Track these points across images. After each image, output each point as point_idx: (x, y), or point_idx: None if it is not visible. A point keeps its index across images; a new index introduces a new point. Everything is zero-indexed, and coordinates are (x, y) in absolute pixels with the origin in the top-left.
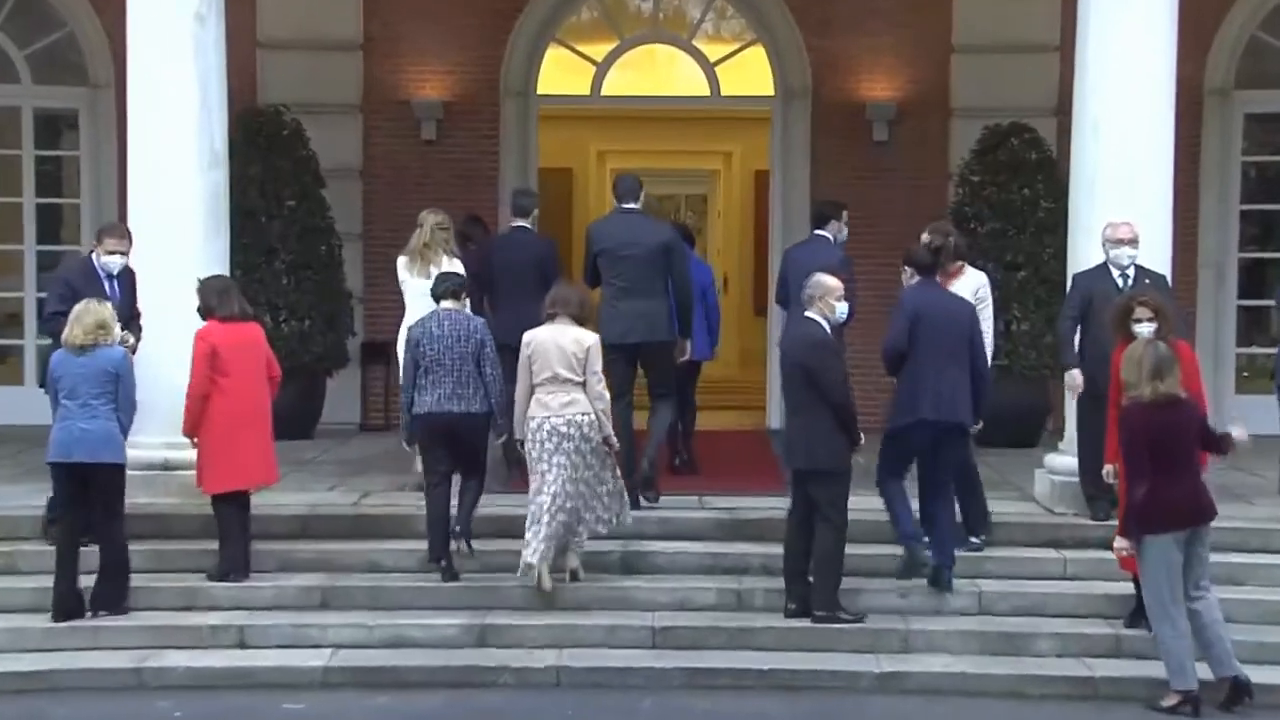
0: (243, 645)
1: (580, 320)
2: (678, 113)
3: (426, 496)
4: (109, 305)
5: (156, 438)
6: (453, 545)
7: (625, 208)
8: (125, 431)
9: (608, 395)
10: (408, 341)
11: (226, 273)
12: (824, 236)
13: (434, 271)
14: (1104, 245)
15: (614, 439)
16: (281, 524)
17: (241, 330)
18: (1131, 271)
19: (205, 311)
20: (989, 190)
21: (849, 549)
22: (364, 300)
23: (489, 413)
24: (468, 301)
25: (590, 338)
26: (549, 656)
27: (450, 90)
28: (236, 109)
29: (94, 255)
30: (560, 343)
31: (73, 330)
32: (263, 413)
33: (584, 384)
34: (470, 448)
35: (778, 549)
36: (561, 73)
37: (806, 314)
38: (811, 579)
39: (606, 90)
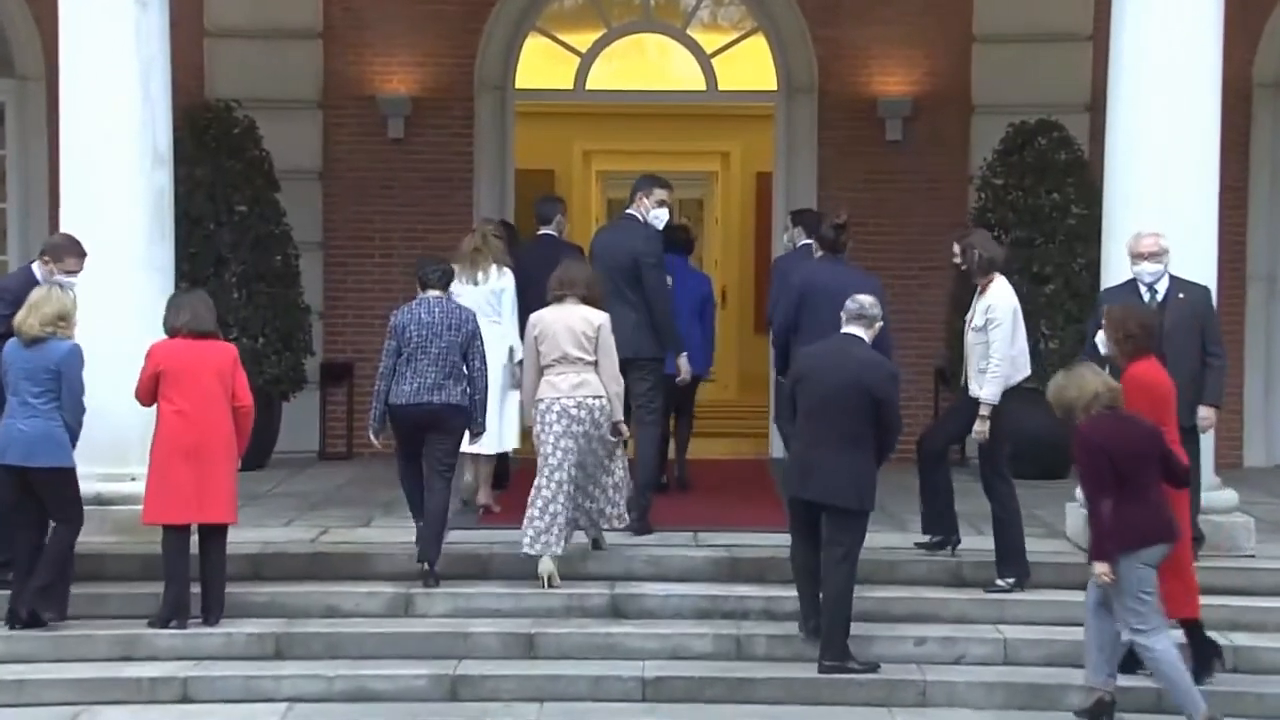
0: (187, 699)
1: (589, 301)
2: (670, 109)
3: (403, 487)
4: (73, 293)
5: (89, 469)
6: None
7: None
8: (73, 433)
9: (622, 378)
10: (392, 327)
11: (170, 285)
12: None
13: (483, 279)
14: (1130, 258)
15: (624, 427)
16: (231, 564)
17: (198, 349)
18: (1163, 287)
19: (165, 326)
20: (1014, 195)
21: (859, 591)
22: (324, 316)
23: (469, 408)
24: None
25: (600, 316)
26: (528, 711)
27: (419, 84)
28: (182, 104)
29: (40, 270)
30: (569, 322)
31: (28, 319)
32: (216, 442)
33: (596, 364)
34: (444, 443)
35: (781, 591)
36: (543, 65)
37: (857, 333)
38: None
39: (592, 84)
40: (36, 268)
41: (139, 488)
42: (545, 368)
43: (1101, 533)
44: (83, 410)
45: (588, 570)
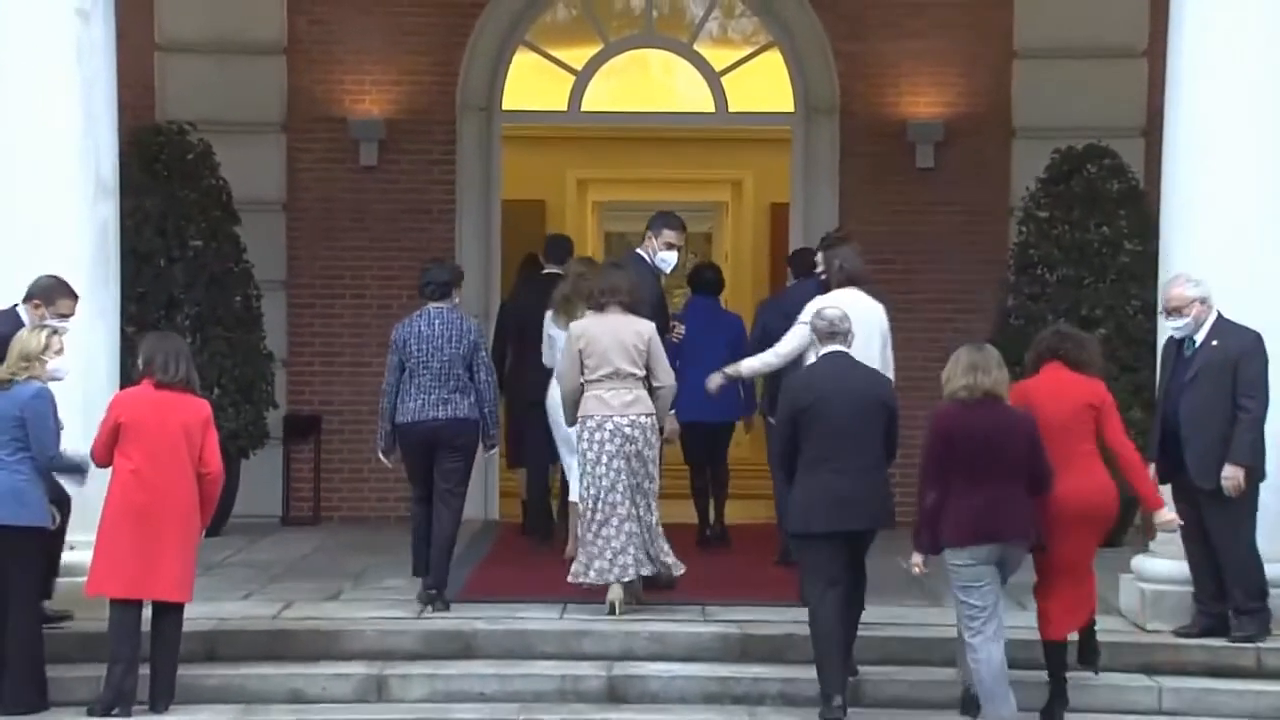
0: None
1: (632, 309)
2: (675, 133)
3: (411, 516)
4: (48, 332)
5: None
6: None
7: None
8: (48, 485)
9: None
10: (393, 341)
11: (115, 331)
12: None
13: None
14: None
15: (675, 428)
16: (182, 643)
17: (166, 402)
18: (1201, 336)
19: (136, 371)
20: (1060, 229)
21: (892, 673)
22: (288, 364)
23: (479, 420)
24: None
25: (649, 326)
26: None
27: (395, 104)
28: (129, 127)
29: (28, 314)
30: (619, 334)
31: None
32: (172, 509)
33: (645, 379)
34: (455, 461)
35: (800, 672)
36: (533, 83)
37: (844, 350)
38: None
39: (588, 105)
40: (23, 311)
41: (80, 557)
42: (592, 382)
43: (920, 522)
44: (53, 460)
45: (582, 648)
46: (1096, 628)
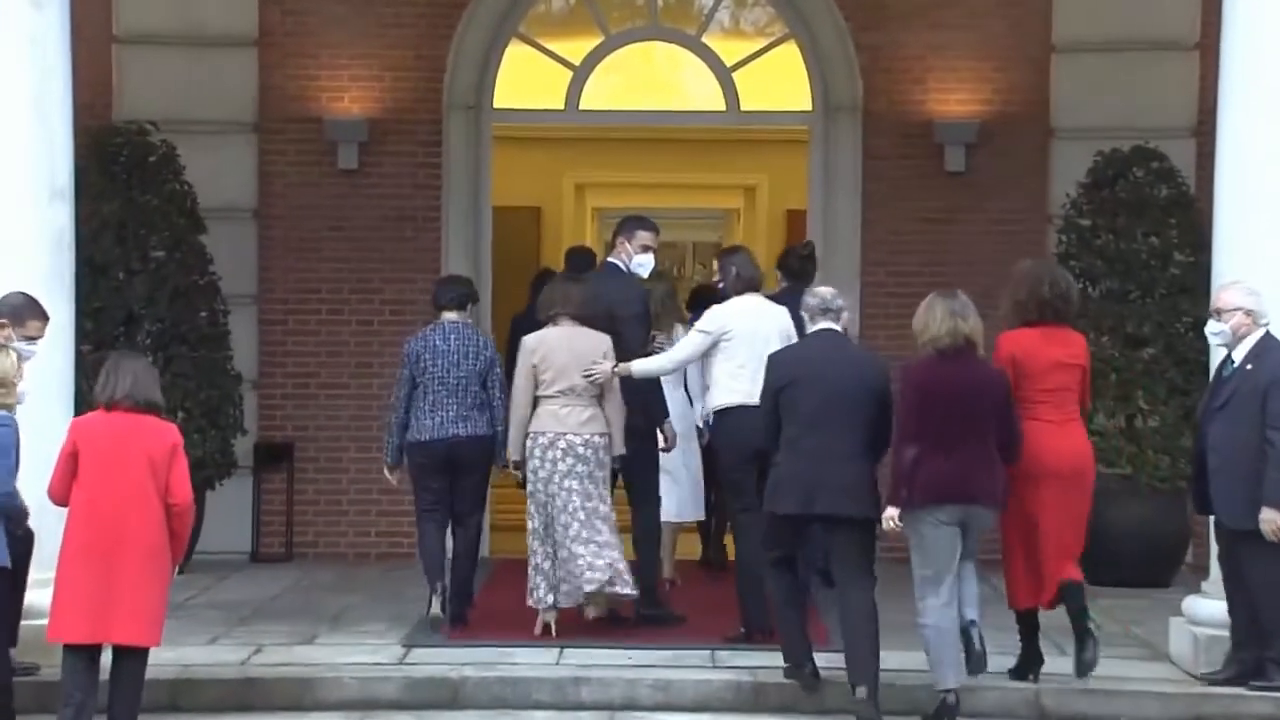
0: None
1: (584, 321)
2: (683, 134)
3: (419, 533)
4: (13, 354)
5: None
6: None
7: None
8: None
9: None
10: (405, 354)
11: (71, 349)
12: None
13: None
14: None
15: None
16: (145, 691)
17: (128, 426)
18: (1243, 351)
19: (93, 397)
20: (1103, 238)
21: None
22: (258, 386)
23: (495, 436)
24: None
25: (607, 342)
26: None
27: (376, 102)
28: (86, 126)
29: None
30: (576, 348)
31: None
32: (134, 545)
33: (600, 397)
34: (473, 478)
35: None
36: (527, 79)
37: (833, 328)
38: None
39: (587, 103)
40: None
41: (40, 598)
42: (545, 397)
43: (897, 479)
44: (12, 495)
45: (581, 697)
46: (1144, 675)
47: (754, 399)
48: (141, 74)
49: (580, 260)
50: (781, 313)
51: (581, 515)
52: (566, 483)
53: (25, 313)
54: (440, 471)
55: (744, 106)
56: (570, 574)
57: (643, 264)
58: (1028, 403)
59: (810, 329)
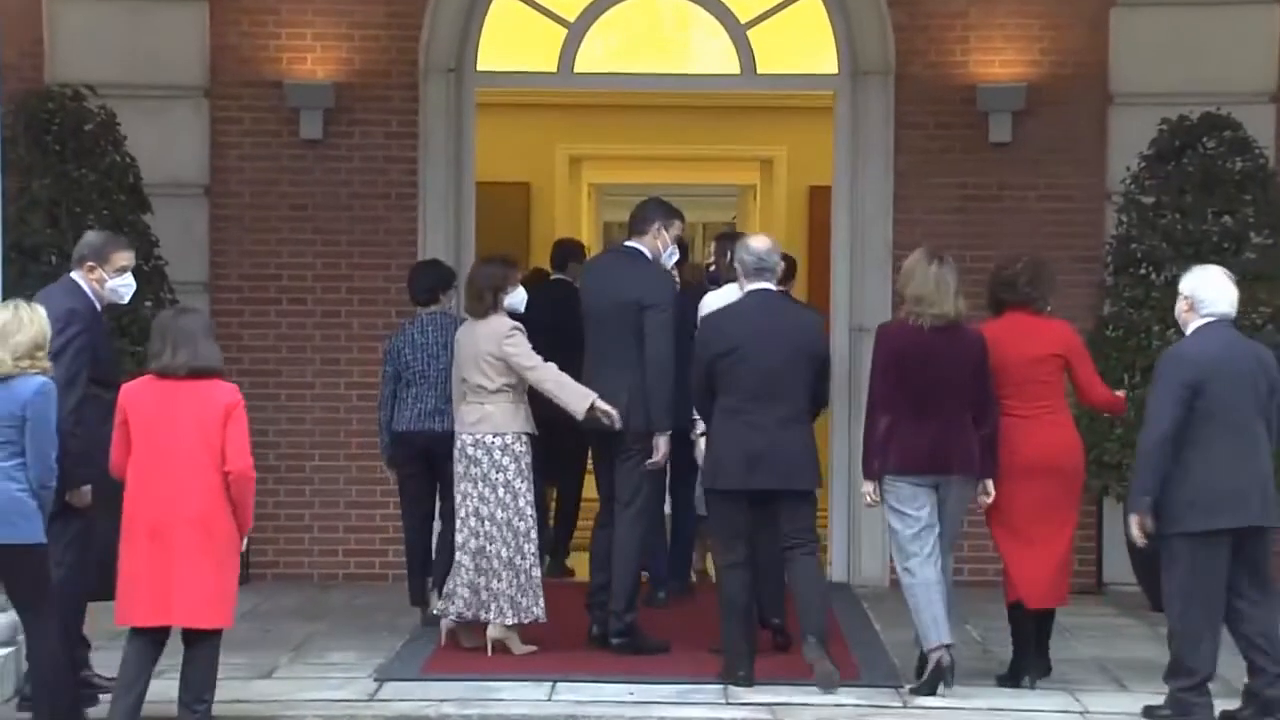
0: None
1: (497, 308)
2: (692, 100)
3: (404, 526)
4: (42, 313)
5: None
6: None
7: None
8: (40, 497)
9: (564, 378)
10: (386, 351)
11: None
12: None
13: None
14: None
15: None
16: None
17: (179, 393)
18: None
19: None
20: (1169, 217)
21: None
22: None
23: None
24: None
25: (504, 326)
26: None
27: (344, 65)
28: (13, 91)
29: (85, 281)
30: (476, 341)
31: None
32: (191, 520)
33: (499, 393)
34: (451, 471)
35: None
36: (515, 39)
37: (771, 287)
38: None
39: (582, 66)
40: (80, 278)
41: None
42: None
43: (870, 448)
44: (53, 469)
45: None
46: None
47: None
48: (76, 31)
49: (562, 254)
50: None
51: (472, 522)
52: (462, 486)
53: (108, 247)
54: (420, 463)
55: (761, 69)
56: (463, 584)
57: (673, 255)
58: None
59: (747, 287)
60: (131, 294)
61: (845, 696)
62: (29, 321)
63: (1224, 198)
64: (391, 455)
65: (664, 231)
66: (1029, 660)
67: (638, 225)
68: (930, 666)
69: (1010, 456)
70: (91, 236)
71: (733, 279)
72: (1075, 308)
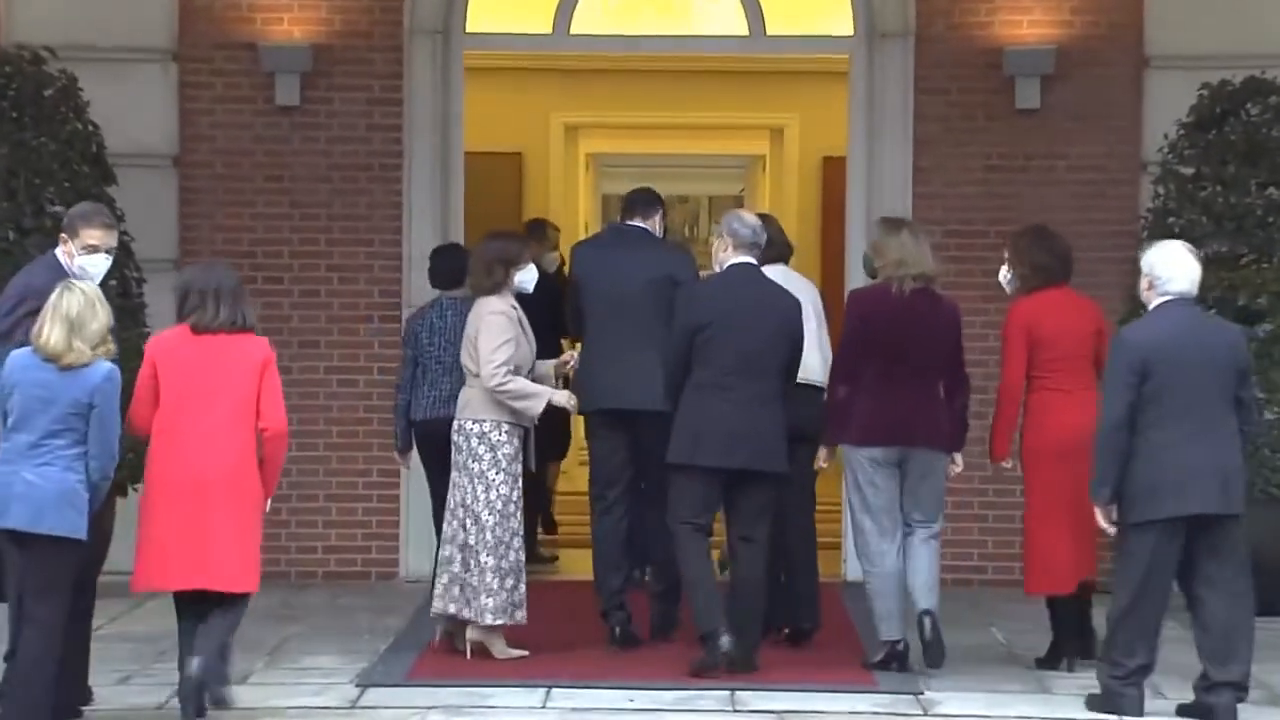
0: None
1: (501, 284)
2: (697, 64)
3: (433, 510)
4: (100, 294)
5: None
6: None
7: (626, 224)
8: (94, 492)
9: (525, 389)
10: (404, 335)
11: None
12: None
13: None
14: None
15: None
16: None
17: (213, 347)
18: None
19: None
20: (1210, 189)
21: None
22: None
23: None
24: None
25: (483, 306)
26: None
27: (323, 26)
28: None
29: (64, 256)
30: (473, 317)
31: (60, 333)
32: (224, 481)
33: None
34: None
35: None
36: None
37: (753, 261)
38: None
39: (579, 27)
40: (60, 254)
41: None
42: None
43: (832, 415)
44: (115, 458)
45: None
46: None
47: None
48: None
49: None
50: (811, 287)
51: (461, 513)
52: (453, 474)
53: (78, 222)
54: (436, 454)
55: (771, 30)
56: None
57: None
58: (1041, 372)
59: (730, 260)
60: (102, 276)
61: (862, 703)
62: (100, 306)
63: (1269, 168)
64: (406, 445)
65: (663, 221)
66: (1069, 642)
67: (642, 210)
68: (885, 651)
69: (1051, 434)
70: (76, 207)
71: (769, 259)
72: (1107, 285)
